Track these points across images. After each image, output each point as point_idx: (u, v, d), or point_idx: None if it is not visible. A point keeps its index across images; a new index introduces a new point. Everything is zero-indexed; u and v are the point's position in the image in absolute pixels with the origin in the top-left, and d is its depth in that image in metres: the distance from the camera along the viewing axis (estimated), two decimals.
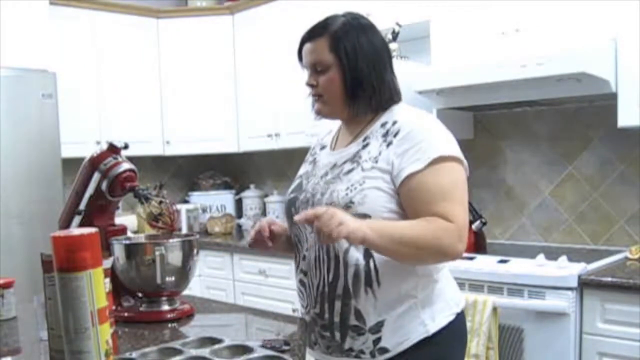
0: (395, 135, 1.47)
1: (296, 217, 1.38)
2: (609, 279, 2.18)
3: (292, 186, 1.65)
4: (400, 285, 1.46)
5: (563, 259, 2.37)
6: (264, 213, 4.27)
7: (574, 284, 2.22)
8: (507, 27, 2.64)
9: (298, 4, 3.58)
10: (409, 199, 1.43)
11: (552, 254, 2.47)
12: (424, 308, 1.48)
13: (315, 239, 1.47)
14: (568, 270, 2.26)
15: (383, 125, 1.51)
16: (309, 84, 1.57)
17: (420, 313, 1.48)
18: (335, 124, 1.70)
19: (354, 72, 1.49)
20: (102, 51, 3.84)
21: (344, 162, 1.52)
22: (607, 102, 2.61)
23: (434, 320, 1.49)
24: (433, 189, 1.40)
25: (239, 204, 4.42)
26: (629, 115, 2.38)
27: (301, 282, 1.59)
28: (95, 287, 0.99)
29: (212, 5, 4.26)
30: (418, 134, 1.45)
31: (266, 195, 4.30)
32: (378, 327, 1.47)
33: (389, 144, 1.47)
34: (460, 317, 1.56)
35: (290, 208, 1.60)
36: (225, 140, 4.15)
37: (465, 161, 1.48)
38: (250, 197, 4.32)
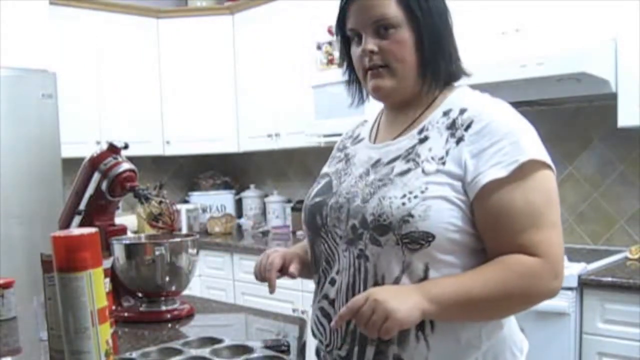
0: (467, 129, 1.11)
1: (332, 323, 1.08)
2: (609, 279, 2.18)
3: (317, 188, 1.29)
4: (460, 332, 1.11)
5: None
6: (263, 213, 4.28)
7: (574, 284, 2.22)
8: (507, 27, 2.64)
9: (298, 4, 3.58)
10: (486, 217, 1.09)
11: None
12: (486, 359, 1.15)
13: (351, 261, 1.16)
14: (568, 270, 2.26)
15: (446, 113, 1.16)
16: (368, 51, 1.16)
17: None
18: (370, 114, 1.37)
19: (431, 30, 1.15)
20: (102, 51, 3.84)
21: (394, 159, 1.17)
22: (607, 102, 2.61)
23: None
24: (521, 211, 1.07)
25: (239, 204, 4.42)
26: (629, 115, 2.38)
27: (322, 311, 1.22)
28: (95, 287, 0.99)
29: (212, 5, 4.26)
30: (499, 129, 1.10)
31: (266, 195, 4.30)
32: None
33: (459, 139, 1.11)
34: None
35: (315, 216, 1.24)
36: (225, 140, 4.15)
37: (554, 167, 1.15)
38: (250, 197, 4.33)
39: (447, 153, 1.11)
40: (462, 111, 1.14)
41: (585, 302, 2.23)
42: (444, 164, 1.10)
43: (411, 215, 1.07)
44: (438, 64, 1.17)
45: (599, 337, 2.20)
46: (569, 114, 2.90)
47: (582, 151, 2.87)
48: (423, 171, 1.11)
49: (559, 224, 1.12)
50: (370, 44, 1.16)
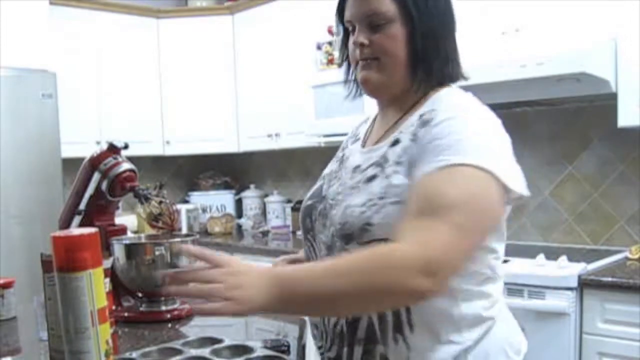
0: (423, 126, 1.09)
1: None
2: (609, 279, 2.18)
3: (312, 190, 1.29)
4: (439, 329, 1.08)
5: (563, 259, 2.37)
6: (264, 213, 4.28)
7: (574, 284, 2.22)
8: (507, 27, 2.64)
9: (298, 4, 3.58)
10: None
11: (552, 254, 2.47)
12: (476, 358, 1.10)
13: None
14: (568, 270, 2.26)
15: (422, 116, 1.12)
16: (359, 43, 1.15)
17: None
18: (371, 112, 1.33)
19: (425, 28, 1.12)
20: (102, 51, 3.84)
21: (370, 166, 1.15)
22: (607, 102, 2.61)
23: None
24: (431, 195, 0.98)
25: (239, 204, 4.42)
26: (629, 115, 2.38)
27: None
28: (95, 287, 0.99)
29: (212, 5, 4.26)
30: (446, 127, 1.04)
31: (266, 195, 4.30)
32: None
33: (415, 137, 1.09)
34: None
35: (306, 219, 1.24)
36: (225, 140, 4.15)
37: (510, 185, 1.03)
38: (250, 197, 4.33)
39: (405, 153, 1.09)
40: (431, 111, 1.11)
41: (585, 302, 2.23)
42: (400, 164, 1.08)
43: (369, 224, 1.06)
44: (431, 62, 1.14)
45: (599, 337, 2.20)
46: (569, 114, 2.90)
47: (582, 151, 2.87)
48: (385, 176, 1.09)
49: (466, 233, 0.97)
50: (362, 36, 1.14)
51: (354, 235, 1.08)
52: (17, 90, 3.15)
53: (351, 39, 1.18)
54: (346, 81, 1.25)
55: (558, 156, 2.94)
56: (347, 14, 1.18)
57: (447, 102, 1.12)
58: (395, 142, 1.13)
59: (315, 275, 0.95)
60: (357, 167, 1.18)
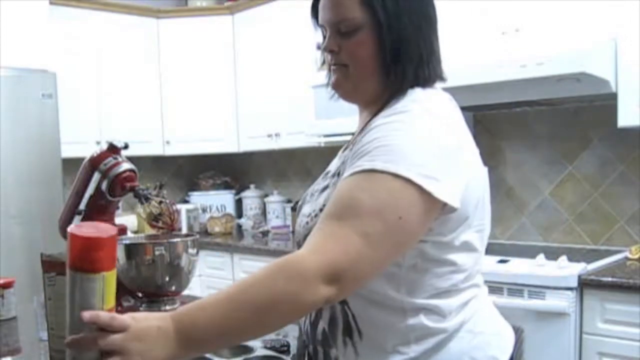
0: (361, 132, 1.07)
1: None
2: (609, 279, 2.18)
3: (304, 193, 1.29)
4: (387, 338, 1.06)
5: (563, 259, 2.37)
6: (264, 213, 4.28)
7: (574, 284, 2.22)
8: (507, 27, 2.64)
9: (298, 4, 3.57)
10: None
11: (552, 254, 2.47)
12: None
13: None
14: (568, 270, 2.26)
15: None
16: (329, 50, 1.13)
17: None
18: None
19: (395, 34, 1.07)
20: (102, 51, 3.84)
21: (334, 174, 1.14)
22: (607, 102, 2.61)
23: None
24: (340, 197, 0.96)
25: (239, 204, 4.42)
26: (629, 115, 2.38)
27: None
28: (107, 290, 0.97)
29: (212, 5, 4.26)
30: (373, 132, 1.01)
31: (266, 195, 4.30)
32: None
33: (353, 144, 1.06)
34: None
35: (296, 223, 1.24)
36: (225, 140, 4.15)
37: (437, 194, 0.96)
38: (250, 197, 4.33)
39: (343, 162, 1.07)
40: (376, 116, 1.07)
41: (585, 302, 2.23)
42: (340, 175, 1.06)
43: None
44: (403, 67, 1.08)
45: (599, 337, 2.20)
46: (569, 114, 2.90)
47: (582, 151, 2.87)
48: (333, 187, 1.06)
49: (374, 242, 0.93)
50: (332, 43, 1.12)
51: (301, 244, 1.06)
52: (17, 90, 3.15)
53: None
54: (327, 83, 1.22)
55: (558, 156, 2.94)
56: (319, 19, 1.16)
57: (394, 105, 1.07)
58: (348, 148, 1.12)
59: (214, 314, 0.89)
60: (327, 172, 1.18)
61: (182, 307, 0.91)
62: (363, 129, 1.11)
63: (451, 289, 1.07)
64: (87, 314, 0.87)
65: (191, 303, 0.92)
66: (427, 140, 0.99)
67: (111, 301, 0.97)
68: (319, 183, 1.17)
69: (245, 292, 0.90)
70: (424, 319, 1.05)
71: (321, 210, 1.04)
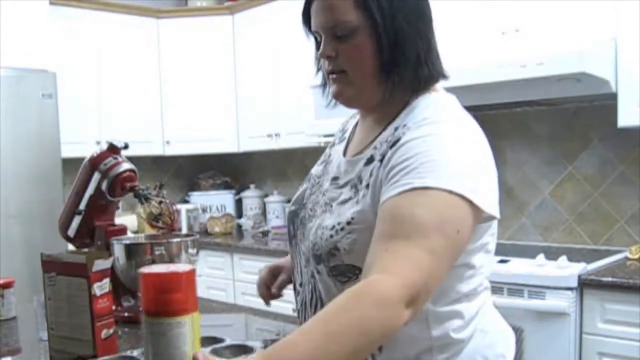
0: (392, 146, 1.03)
1: None
2: (609, 279, 2.18)
3: (297, 193, 1.26)
4: (409, 349, 1.06)
5: (563, 259, 2.37)
6: (264, 213, 4.28)
7: (574, 284, 2.22)
8: (507, 27, 2.64)
9: (298, 4, 3.56)
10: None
11: (552, 254, 2.47)
12: None
13: (309, 278, 1.14)
14: (568, 270, 2.26)
15: (397, 129, 1.06)
16: (325, 56, 1.09)
17: None
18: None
19: (392, 34, 1.04)
20: (102, 51, 3.84)
21: (346, 184, 1.11)
22: (607, 102, 2.61)
23: None
24: (401, 217, 0.94)
25: (239, 204, 4.42)
26: (629, 115, 2.38)
27: (298, 316, 1.24)
28: (197, 334, 0.87)
29: (212, 5, 4.26)
30: (413, 147, 0.99)
31: (266, 195, 4.30)
32: None
33: (383, 158, 1.04)
34: None
35: (290, 225, 1.24)
36: (225, 140, 4.15)
37: (482, 206, 0.98)
38: (250, 197, 4.33)
39: (373, 176, 1.04)
40: (403, 127, 1.05)
41: (585, 302, 2.23)
42: (369, 187, 1.04)
43: (337, 249, 1.04)
44: (402, 69, 1.06)
45: (599, 337, 2.20)
46: (569, 114, 2.90)
47: (582, 151, 2.87)
48: (357, 201, 1.05)
49: (439, 258, 0.93)
50: (328, 48, 1.08)
51: (323, 257, 1.07)
52: (17, 90, 3.15)
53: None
54: (323, 90, 1.19)
55: (558, 156, 2.94)
56: (313, 24, 1.12)
57: (419, 116, 1.05)
58: (370, 159, 1.08)
59: (306, 351, 0.85)
60: (336, 178, 1.15)
61: (271, 346, 0.88)
62: (377, 137, 1.10)
63: (470, 293, 1.09)
64: None
65: (280, 342, 0.89)
66: (469, 153, 1.01)
67: (199, 345, 0.88)
68: (331, 191, 1.13)
69: (336, 323, 0.86)
70: (448, 329, 1.06)
71: (348, 223, 1.04)
